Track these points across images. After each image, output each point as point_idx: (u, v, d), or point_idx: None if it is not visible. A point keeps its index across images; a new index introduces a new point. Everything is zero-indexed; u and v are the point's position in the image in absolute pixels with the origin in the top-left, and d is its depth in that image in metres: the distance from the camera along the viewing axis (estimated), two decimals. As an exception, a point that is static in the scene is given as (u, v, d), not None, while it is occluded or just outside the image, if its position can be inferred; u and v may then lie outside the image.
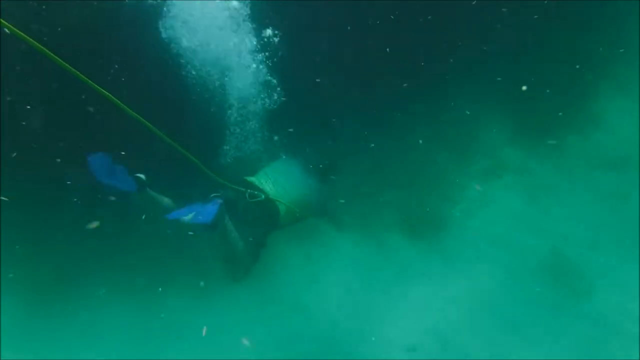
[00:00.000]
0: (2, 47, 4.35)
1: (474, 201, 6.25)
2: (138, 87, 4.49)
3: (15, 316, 5.67)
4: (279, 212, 4.06)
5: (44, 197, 5.78)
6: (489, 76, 6.18)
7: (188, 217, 3.64)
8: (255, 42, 4.66)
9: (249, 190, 3.94)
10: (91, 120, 5.03)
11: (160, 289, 5.66)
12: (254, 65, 4.71)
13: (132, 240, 5.86)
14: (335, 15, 5.48)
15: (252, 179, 4.13)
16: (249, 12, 4.54)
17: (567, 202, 5.96)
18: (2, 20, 1.72)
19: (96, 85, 2.14)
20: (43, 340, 5.53)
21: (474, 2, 5.47)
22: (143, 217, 4.45)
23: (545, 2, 5.68)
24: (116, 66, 4.88)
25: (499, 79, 5.90)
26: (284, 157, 4.93)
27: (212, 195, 4.03)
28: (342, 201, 5.94)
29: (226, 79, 4.66)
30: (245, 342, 5.15)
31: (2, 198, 4.93)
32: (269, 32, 4.71)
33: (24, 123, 4.96)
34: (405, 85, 5.72)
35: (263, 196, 3.94)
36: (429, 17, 5.55)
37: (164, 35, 4.46)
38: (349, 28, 5.55)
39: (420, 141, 6.34)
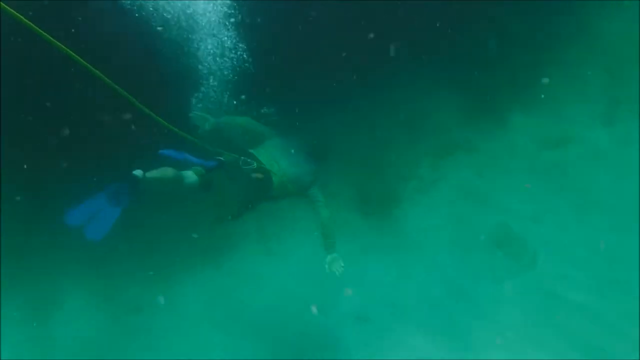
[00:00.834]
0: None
1: (426, 178, 6.46)
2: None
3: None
4: (272, 182, 4.21)
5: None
6: (439, 59, 6.44)
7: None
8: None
9: (242, 158, 4.10)
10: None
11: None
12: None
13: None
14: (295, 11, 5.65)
15: (251, 150, 4.31)
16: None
17: (512, 177, 6.24)
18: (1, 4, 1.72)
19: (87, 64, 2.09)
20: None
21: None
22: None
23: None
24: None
25: (444, 56, 6.15)
26: (282, 135, 5.06)
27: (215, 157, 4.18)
28: None
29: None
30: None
31: None
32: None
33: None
34: (354, 77, 5.87)
35: (255, 164, 4.11)
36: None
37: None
38: (308, 20, 5.71)
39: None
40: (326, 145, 5.39)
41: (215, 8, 4.88)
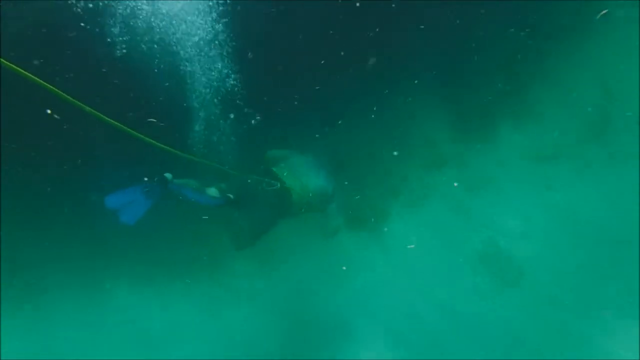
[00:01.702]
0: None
1: (415, 193, 6.51)
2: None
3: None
4: (292, 199, 4.43)
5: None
6: (429, 75, 6.40)
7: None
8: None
9: (266, 180, 4.35)
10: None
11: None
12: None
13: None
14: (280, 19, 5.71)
15: (274, 168, 4.57)
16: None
17: (502, 193, 6.21)
18: None
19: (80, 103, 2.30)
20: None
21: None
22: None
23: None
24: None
25: (434, 72, 6.11)
26: (301, 152, 5.27)
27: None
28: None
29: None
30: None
31: None
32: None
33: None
34: (343, 93, 5.94)
35: (279, 185, 4.35)
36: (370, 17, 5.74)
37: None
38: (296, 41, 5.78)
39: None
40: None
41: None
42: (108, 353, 6.17)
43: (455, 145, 6.50)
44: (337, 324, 5.93)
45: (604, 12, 5.13)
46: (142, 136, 2.84)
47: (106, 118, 2.47)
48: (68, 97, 2.19)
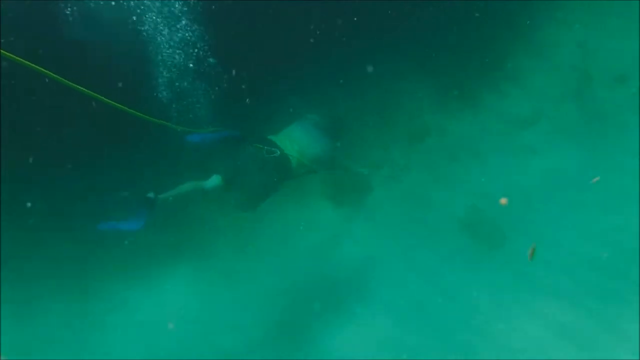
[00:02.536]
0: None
1: (398, 164, 6.48)
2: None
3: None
4: (292, 165, 4.68)
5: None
6: (407, 44, 6.42)
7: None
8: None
9: (265, 148, 4.51)
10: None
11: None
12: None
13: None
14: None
15: (274, 137, 4.78)
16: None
17: (484, 160, 6.18)
18: None
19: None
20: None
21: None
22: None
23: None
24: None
25: (414, 43, 6.13)
26: (301, 118, 5.45)
27: None
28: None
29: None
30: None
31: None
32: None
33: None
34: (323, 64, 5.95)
35: (279, 152, 4.52)
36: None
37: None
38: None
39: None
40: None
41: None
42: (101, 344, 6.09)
43: (435, 113, 6.49)
44: (322, 295, 5.86)
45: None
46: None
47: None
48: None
